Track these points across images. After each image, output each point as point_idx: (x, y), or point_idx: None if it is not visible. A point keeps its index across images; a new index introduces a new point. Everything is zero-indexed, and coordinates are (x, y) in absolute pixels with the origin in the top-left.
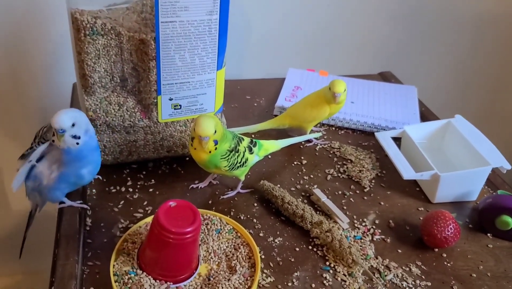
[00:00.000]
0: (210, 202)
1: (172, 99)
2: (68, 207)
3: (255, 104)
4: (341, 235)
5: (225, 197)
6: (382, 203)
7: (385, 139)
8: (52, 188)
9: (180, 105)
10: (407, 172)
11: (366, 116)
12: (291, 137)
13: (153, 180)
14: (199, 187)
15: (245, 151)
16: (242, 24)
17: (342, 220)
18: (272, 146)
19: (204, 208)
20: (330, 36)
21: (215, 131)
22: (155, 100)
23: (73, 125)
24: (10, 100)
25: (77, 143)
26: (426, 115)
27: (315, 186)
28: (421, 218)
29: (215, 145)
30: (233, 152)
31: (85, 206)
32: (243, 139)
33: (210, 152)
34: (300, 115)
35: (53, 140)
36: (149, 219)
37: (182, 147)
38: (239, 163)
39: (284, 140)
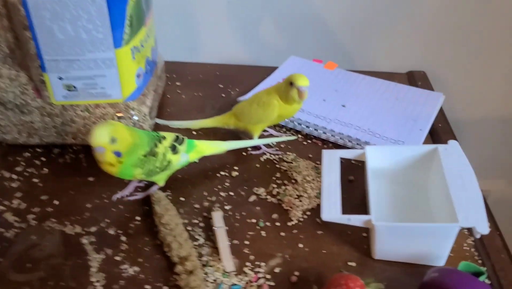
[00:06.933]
0: (93, 203)
1: (62, 78)
2: None
3: (223, 95)
4: (207, 281)
5: (131, 198)
6: (301, 246)
7: (330, 160)
8: None
9: (75, 87)
10: (328, 211)
11: (352, 127)
12: (242, 139)
13: (46, 169)
14: (123, 197)
15: (166, 152)
16: None
17: (224, 262)
18: (210, 147)
19: (80, 211)
20: (360, 19)
21: (113, 140)
22: (43, 78)
23: None
24: None
25: None
26: (439, 134)
27: (226, 207)
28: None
29: (117, 157)
30: (147, 157)
31: None
32: (165, 138)
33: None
34: (245, 114)
35: None
36: None
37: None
38: (158, 167)
39: (231, 142)
